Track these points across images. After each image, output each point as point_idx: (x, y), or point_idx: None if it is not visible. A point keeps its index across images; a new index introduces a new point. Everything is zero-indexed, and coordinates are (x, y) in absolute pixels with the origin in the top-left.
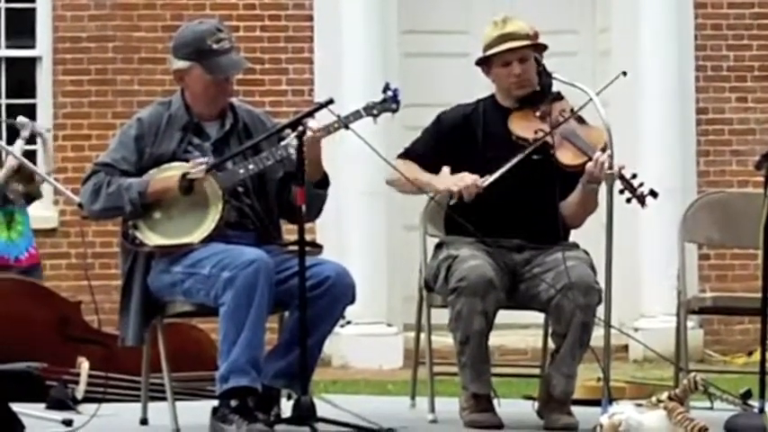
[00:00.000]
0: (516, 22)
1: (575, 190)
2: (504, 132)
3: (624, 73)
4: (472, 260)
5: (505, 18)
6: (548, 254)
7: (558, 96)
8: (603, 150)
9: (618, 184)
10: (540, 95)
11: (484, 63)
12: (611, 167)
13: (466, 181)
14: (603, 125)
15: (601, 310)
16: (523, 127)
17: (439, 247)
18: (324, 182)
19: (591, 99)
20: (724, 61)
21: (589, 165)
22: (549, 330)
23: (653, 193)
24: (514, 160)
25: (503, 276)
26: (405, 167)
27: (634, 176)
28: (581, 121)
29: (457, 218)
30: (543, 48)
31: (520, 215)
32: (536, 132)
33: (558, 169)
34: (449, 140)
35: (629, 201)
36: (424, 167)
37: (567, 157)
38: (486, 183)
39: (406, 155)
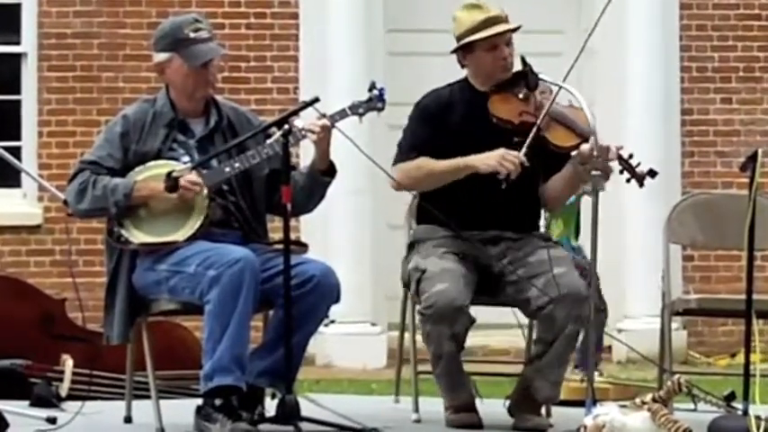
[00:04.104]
0: (492, 6)
1: (561, 171)
2: (484, 116)
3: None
4: (439, 282)
5: (481, 3)
6: (528, 250)
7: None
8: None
9: (616, 165)
10: (517, 79)
11: (462, 48)
12: (618, 151)
13: (510, 158)
14: (590, 126)
15: None
16: (506, 110)
17: (411, 247)
18: (330, 171)
19: (560, 88)
20: (709, 62)
21: (584, 146)
22: (534, 336)
23: (651, 173)
24: (530, 138)
25: (472, 279)
26: (418, 166)
27: (631, 156)
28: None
29: (445, 215)
30: (518, 29)
31: (497, 201)
32: (521, 114)
33: (543, 152)
34: (434, 125)
35: (628, 181)
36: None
37: (560, 138)
38: (524, 155)
39: (406, 153)
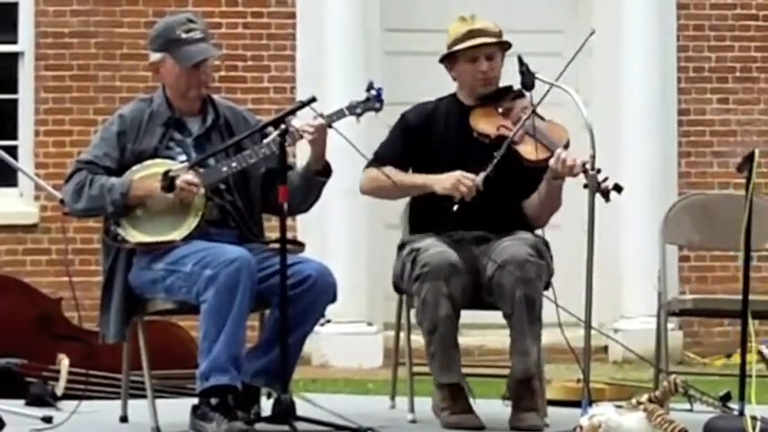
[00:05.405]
0: (484, 19)
1: (539, 188)
2: (465, 129)
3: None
4: (434, 248)
5: (473, 15)
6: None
7: (520, 94)
8: (566, 147)
9: (582, 179)
10: (502, 93)
11: (447, 59)
12: (584, 165)
13: (465, 183)
14: (586, 125)
15: (581, 311)
16: (485, 123)
17: (401, 247)
18: (326, 171)
19: (547, 91)
20: (706, 62)
21: (552, 160)
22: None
23: (617, 188)
24: (500, 154)
25: (464, 268)
26: (382, 174)
27: (598, 171)
28: (542, 118)
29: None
30: (508, 46)
31: (483, 211)
32: (498, 129)
33: (520, 165)
34: (416, 139)
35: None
36: (400, 169)
37: (529, 152)
38: (482, 180)
39: (379, 161)
